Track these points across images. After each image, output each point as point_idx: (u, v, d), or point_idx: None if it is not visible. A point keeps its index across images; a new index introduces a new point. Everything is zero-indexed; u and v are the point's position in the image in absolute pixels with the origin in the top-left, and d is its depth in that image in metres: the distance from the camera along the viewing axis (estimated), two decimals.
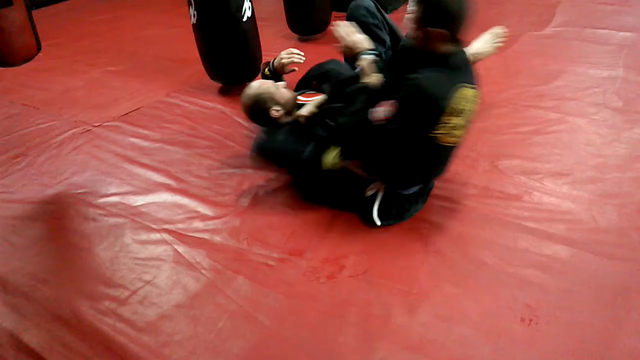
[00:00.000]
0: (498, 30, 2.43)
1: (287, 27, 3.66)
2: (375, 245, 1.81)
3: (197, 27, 2.73)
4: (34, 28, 2.07)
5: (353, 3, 2.37)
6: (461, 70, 1.75)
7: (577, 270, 1.67)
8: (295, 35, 3.59)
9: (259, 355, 1.45)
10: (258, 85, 2.17)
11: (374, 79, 1.89)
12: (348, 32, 2.00)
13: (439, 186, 2.01)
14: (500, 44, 2.42)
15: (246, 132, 2.52)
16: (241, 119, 2.63)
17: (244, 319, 1.55)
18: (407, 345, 1.44)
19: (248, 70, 2.92)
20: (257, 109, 2.13)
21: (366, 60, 1.92)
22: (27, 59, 2.10)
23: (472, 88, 1.73)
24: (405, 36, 1.86)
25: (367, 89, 1.86)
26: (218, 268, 1.74)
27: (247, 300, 1.61)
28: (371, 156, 1.85)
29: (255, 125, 2.25)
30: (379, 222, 1.86)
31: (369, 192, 1.89)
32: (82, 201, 2.11)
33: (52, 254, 1.87)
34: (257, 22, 2.84)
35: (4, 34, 1.96)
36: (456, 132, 1.73)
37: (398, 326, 1.50)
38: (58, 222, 2.04)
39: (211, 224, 1.94)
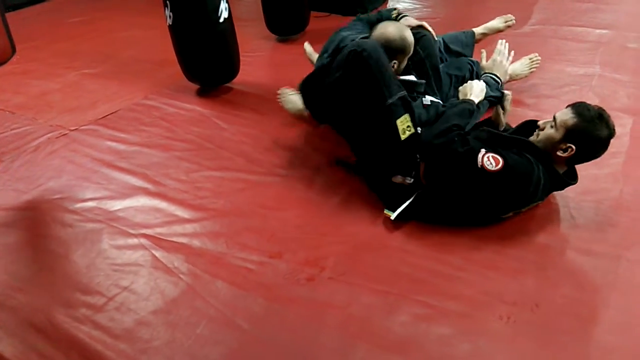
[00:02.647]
0: (534, 55, 2.68)
1: (266, 27, 3.64)
2: (355, 246, 1.80)
3: (172, 29, 2.70)
4: (7, 31, 2.02)
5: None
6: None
7: (555, 268, 1.68)
8: (274, 36, 3.57)
9: None
10: (409, 31, 2.07)
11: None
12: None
13: None
14: (535, 68, 2.69)
15: (226, 134, 2.50)
16: (220, 121, 2.61)
17: (223, 323, 1.54)
18: (386, 346, 1.44)
19: (226, 72, 2.89)
20: (389, 48, 1.99)
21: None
22: (1, 62, 2.06)
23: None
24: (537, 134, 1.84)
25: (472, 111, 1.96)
26: (197, 272, 1.72)
27: (226, 304, 1.60)
28: (444, 181, 1.84)
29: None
30: (393, 217, 1.86)
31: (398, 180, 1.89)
32: (58, 207, 2.07)
33: (27, 261, 1.83)
34: (237, 23, 2.81)
35: None
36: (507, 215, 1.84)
37: (378, 327, 1.50)
38: (34, 229, 2.00)
39: (189, 228, 1.92)
